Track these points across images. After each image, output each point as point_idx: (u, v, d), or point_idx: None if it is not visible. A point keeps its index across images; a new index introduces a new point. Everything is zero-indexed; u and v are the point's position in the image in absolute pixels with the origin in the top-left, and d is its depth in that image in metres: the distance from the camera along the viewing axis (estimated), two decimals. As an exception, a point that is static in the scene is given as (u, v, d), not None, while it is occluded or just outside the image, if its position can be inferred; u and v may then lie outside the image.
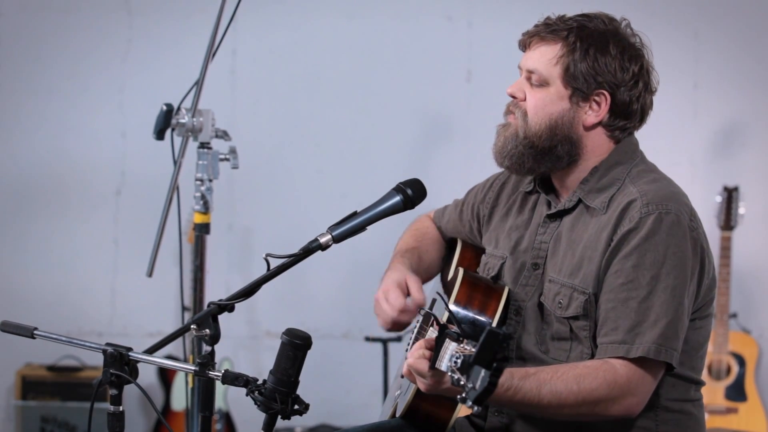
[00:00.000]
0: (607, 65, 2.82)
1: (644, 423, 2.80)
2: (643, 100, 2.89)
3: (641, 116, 2.92)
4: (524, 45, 2.92)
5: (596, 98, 2.84)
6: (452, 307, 2.85)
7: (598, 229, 2.81)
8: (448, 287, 3.06)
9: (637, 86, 2.86)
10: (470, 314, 2.87)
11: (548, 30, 2.85)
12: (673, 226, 2.72)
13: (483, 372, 2.20)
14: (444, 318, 2.83)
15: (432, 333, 2.87)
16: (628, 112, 2.88)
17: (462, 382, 2.25)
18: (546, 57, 2.84)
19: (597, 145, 2.89)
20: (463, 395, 2.24)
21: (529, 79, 2.88)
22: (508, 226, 3.07)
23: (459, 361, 2.32)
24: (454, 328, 2.44)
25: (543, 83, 2.85)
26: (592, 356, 2.79)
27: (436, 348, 2.44)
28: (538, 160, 2.88)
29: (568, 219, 2.91)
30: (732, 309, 5.77)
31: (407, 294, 3.07)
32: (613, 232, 2.77)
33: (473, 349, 2.31)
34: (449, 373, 2.33)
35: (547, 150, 2.86)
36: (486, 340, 2.20)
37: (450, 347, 2.38)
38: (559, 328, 2.85)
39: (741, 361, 5.81)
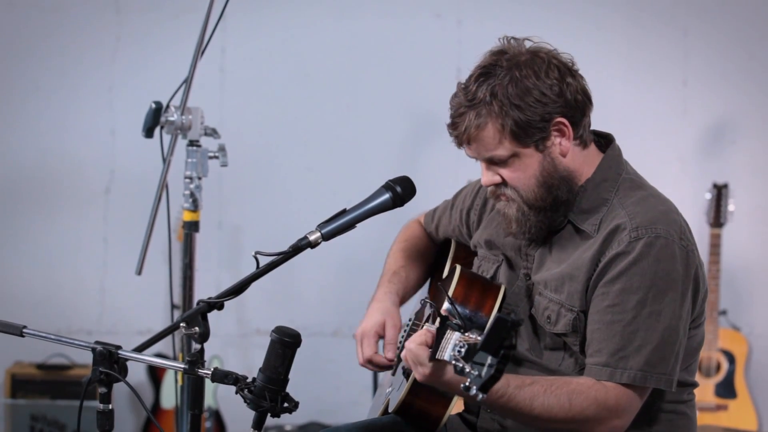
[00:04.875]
0: (538, 98, 2.75)
1: (637, 424, 2.80)
2: (581, 87, 2.82)
3: (589, 99, 2.84)
4: (460, 142, 2.83)
5: (554, 128, 2.78)
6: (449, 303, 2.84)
7: (585, 249, 2.80)
8: (443, 285, 3.06)
9: (569, 84, 2.79)
10: (467, 311, 2.86)
11: (473, 117, 2.77)
12: (662, 250, 2.71)
13: (490, 359, 2.19)
14: (443, 310, 2.82)
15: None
16: (582, 109, 2.81)
17: (467, 370, 2.25)
18: (492, 140, 2.77)
19: (577, 161, 2.85)
20: (467, 383, 2.23)
21: (492, 163, 2.83)
22: (498, 231, 3.05)
23: (463, 349, 2.31)
24: (456, 320, 2.44)
25: (507, 159, 2.80)
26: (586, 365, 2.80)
27: (436, 339, 2.44)
28: (552, 216, 2.85)
29: (556, 237, 2.89)
30: (722, 306, 5.78)
31: (383, 335, 3.15)
32: (600, 254, 2.75)
33: (479, 338, 2.30)
34: (453, 362, 2.32)
35: (553, 202, 2.83)
36: (494, 327, 2.19)
37: (453, 338, 2.38)
38: (551, 341, 2.87)
39: (731, 358, 5.82)
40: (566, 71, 2.79)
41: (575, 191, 2.85)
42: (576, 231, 2.85)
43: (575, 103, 2.79)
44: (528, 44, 2.83)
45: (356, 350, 3.18)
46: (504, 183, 2.84)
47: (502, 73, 2.76)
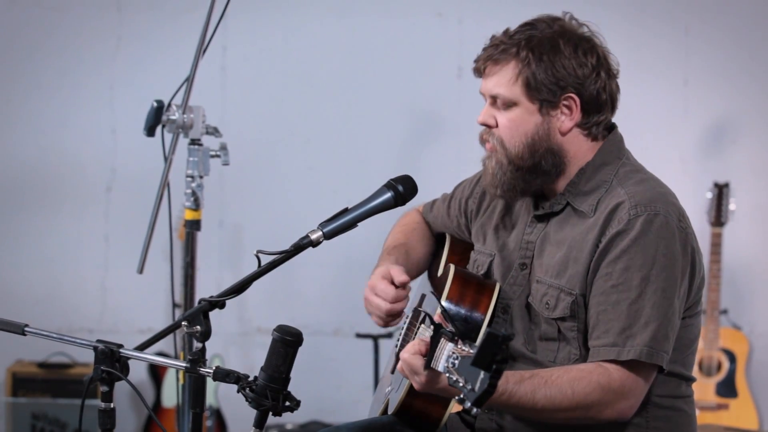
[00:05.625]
0: (565, 67, 2.80)
1: (635, 420, 2.80)
2: (610, 88, 2.87)
3: (612, 104, 2.89)
4: (479, 71, 2.91)
5: (565, 102, 2.82)
6: (444, 303, 2.84)
7: (585, 231, 2.80)
8: (438, 284, 3.06)
9: (600, 77, 2.84)
10: (462, 311, 2.86)
11: (498, 51, 2.84)
12: (662, 228, 2.72)
13: (482, 374, 2.19)
14: (437, 315, 2.81)
15: (424, 330, 2.87)
16: (599, 104, 2.86)
17: (461, 384, 2.24)
18: (504, 78, 2.84)
19: (579, 148, 2.88)
20: (461, 397, 2.23)
21: (494, 103, 2.88)
22: (495, 223, 3.07)
23: (457, 362, 2.31)
24: (449, 327, 2.43)
25: (510, 104, 2.84)
26: (580, 356, 2.79)
27: (431, 347, 2.44)
28: (528, 181, 2.88)
29: (555, 220, 2.91)
30: (722, 305, 5.77)
31: (393, 283, 3.06)
32: (601, 234, 2.76)
33: (471, 351, 2.29)
34: (446, 374, 2.32)
35: (532, 168, 2.86)
36: (485, 342, 2.18)
37: (447, 347, 2.37)
38: (547, 329, 2.86)
39: (731, 357, 5.82)
40: (606, 66, 2.87)
41: (561, 168, 2.88)
42: (574, 212, 2.87)
43: (595, 95, 2.84)
44: (585, 29, 2.90)
45: (370, 307, 3.06)
46: (496, 128, 2.88)
47: (547, 32, 2.84)
